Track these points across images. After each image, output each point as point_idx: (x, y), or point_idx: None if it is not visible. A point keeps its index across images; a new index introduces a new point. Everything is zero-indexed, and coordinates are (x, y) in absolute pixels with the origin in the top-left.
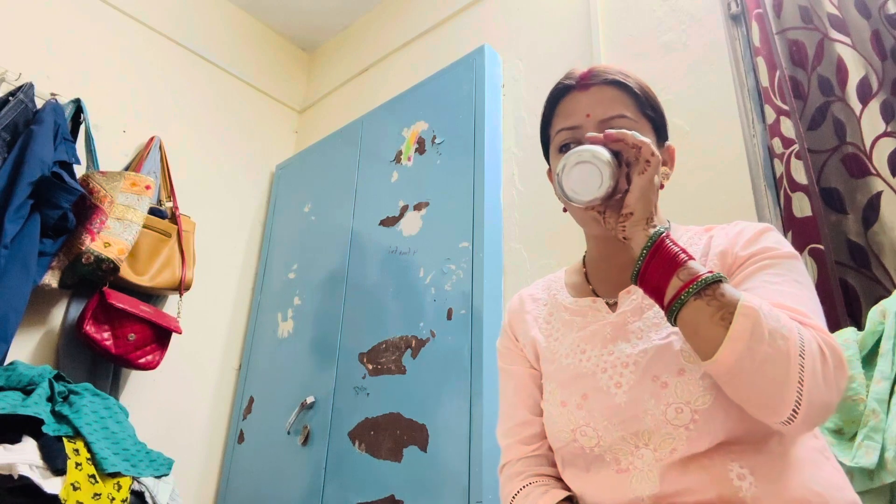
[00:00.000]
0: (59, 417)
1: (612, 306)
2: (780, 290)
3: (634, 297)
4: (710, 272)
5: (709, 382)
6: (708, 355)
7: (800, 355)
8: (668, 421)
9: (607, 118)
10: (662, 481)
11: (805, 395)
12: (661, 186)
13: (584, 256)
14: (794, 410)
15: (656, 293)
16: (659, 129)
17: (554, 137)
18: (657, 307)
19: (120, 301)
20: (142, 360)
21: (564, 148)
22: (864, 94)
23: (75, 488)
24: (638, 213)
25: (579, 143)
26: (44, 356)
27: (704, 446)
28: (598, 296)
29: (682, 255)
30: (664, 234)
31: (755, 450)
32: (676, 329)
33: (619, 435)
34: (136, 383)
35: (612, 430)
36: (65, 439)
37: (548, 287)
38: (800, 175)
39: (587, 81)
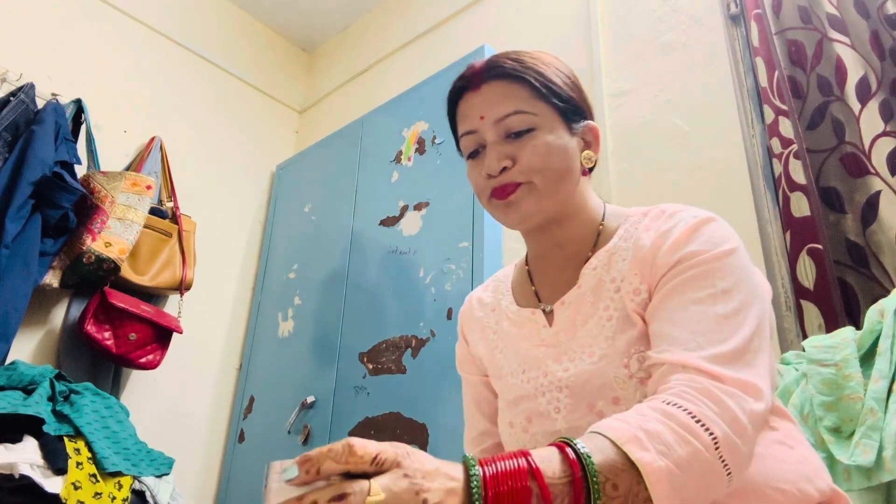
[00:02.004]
0: (60, 417)
1: (550, 315)
2: (686, 319)
3: (568, 310)
4: (576, 468)
5: None
6: None
7: (715, 449)
8: None
9: (501, 117)
10: None
11: (735, 474)
12: (585, 172)
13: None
14: (727, 489)
15: None
16: (568, 114)
17: (461, 142)
18: (590, 323)
19: (121, 301)
20: (142, 360)
21: (473, 154)
22: (863, 94)
23: (76, 487)
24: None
25: (483, 146)
26: (45, 356)
27: None
28: (539, 300)
29: (522, 462)
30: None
31: None
32: (608, 352)
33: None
34: (136, 383)
35: (576, 431)
36: (66, 439)
37: (495, 289)
38: (798, 175)
39: (478, 80)
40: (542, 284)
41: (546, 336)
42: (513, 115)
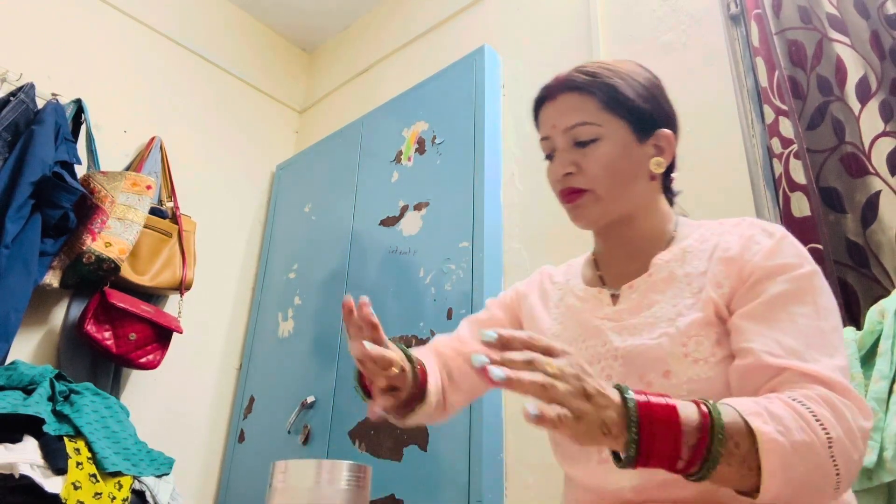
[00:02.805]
0: (60, 417)
1: (615, 298)
2: (795, 329)
3: (634, 293)
4: (706, 418)
5: (693, 388)
6: (748, 494)
7: (829, 447)
8: None
9: (569, 127)
10: (643, 472)
11: (843, 478)
12: (654, 177)
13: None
14: (835, 494)
15: (667, 463)
16: (638, 123)
17: (540, 145)
18: (655, 308)
19: (121, 301)
20: (142, 360)
21: (549, 157)
22: (863, 94)
23: (76, 487)
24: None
25: (555, 151)
26: (45, 356)
27: None
28: (604, 284)
29: (671, 403)
30: (639, 401)
31: None
32: (669, 331)
33: None
34: (136, 383)
35: None
36: (66, 438)
37: (566, 271)
38: (798, 175)
39: (555, 92)
40: (608, 272)
41: (609, 312)
42: (579, 126)
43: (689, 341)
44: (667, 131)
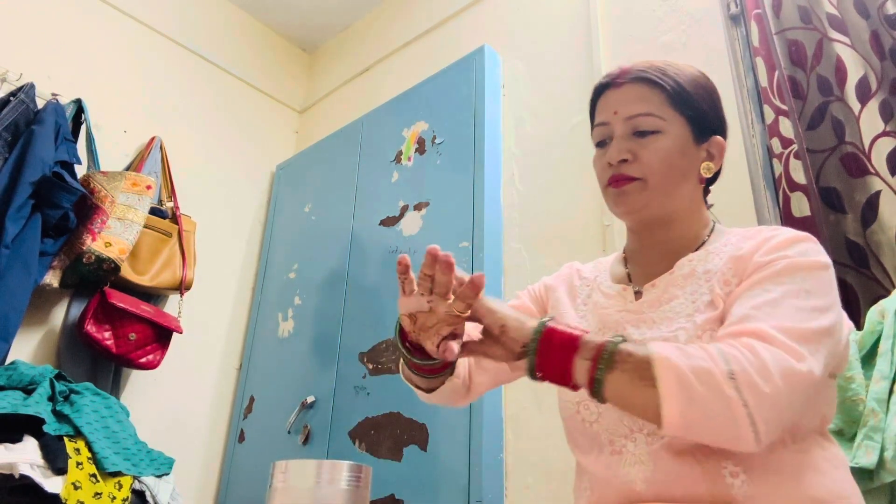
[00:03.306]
0: (60, 417)
1: (639, 295)
2: (758, 301)
3: (656, 290)
4: (604, 342)
5: None
6: (656, 421)
7: (730, 378)
8: None
9: (632, 116)
10: (655, 464)
11: (756, 413)
12: (702, 181)
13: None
14: (755, 436)
15: (562, 378)
16: (698, 124)
17: (593, 131)
18: (674, 302)
19: (121, 301)
20: (142, 360)
21: (601, 144)
22: (863, 94)
23: (76, 487)
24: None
25: (610, 137)
26: (45, 356)
27: None
28: (630, 282)
29: (575, 333)
30: (547, 322)
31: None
32: (686, 326)
33: (617, 416)
34: (136, 383)
35: (613, 410)
36: (66, 438)
37: (595, 267)
38: (798, 175)
39: (621, 79)
40: (636, 270)
41: (631, 307)
42: (642, 116)
43: (703, 335)
44: (720, 138)
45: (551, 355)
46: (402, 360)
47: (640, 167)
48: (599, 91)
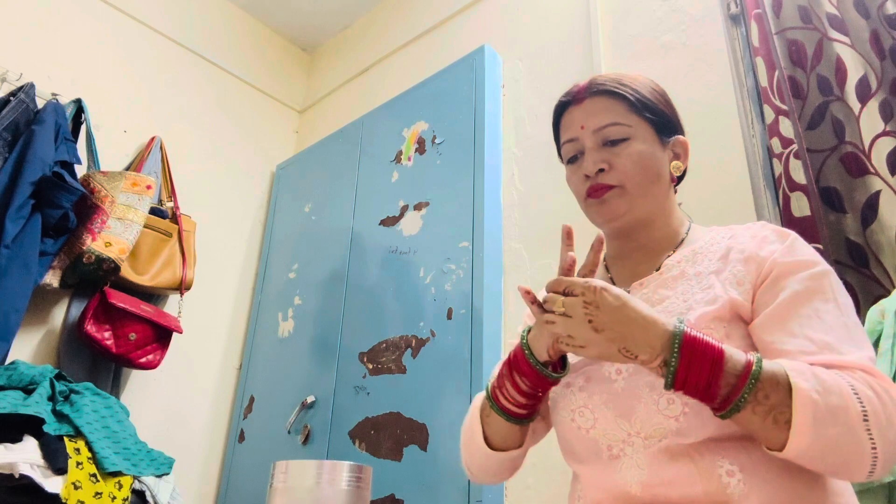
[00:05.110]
0: (60, 417)
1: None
2: (824, 325)
3: (645, 289)
4: (750, 363)
5: None
6: (773, 448)
7: (864, 420)
8: (660, 411)
9: (600, 127)
10: (650, 468)
11: (880, 455)
12: (674, 180)
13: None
14: (871, 471)
15: (703, 395)
16: (660, 127)
17: (562, 149)
18: (666, 303)
19: (121, 301)
20: (142, 360)
21: (572, 160)
22: (863, 94)
23: (76, 487)
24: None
25: (581, 152)
26: (45, 356)
27: (692, 439)
28: (615, 284)
29: (719, 347)
30: (686, 329)
31: (747, 449)
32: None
33: (613, 420)
34: (136, 383)
35: (608, 415)
36: (66, 438)
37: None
38: (798, 175)
39: (581, 95)
40: (619, 273)
41: None
42: (610, 126)
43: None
44: (683, 138)
45: (693, 368)
46: (482, 418)
47: (616, 175)
48: (561, 110)
